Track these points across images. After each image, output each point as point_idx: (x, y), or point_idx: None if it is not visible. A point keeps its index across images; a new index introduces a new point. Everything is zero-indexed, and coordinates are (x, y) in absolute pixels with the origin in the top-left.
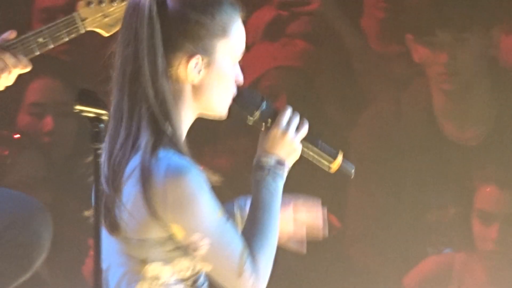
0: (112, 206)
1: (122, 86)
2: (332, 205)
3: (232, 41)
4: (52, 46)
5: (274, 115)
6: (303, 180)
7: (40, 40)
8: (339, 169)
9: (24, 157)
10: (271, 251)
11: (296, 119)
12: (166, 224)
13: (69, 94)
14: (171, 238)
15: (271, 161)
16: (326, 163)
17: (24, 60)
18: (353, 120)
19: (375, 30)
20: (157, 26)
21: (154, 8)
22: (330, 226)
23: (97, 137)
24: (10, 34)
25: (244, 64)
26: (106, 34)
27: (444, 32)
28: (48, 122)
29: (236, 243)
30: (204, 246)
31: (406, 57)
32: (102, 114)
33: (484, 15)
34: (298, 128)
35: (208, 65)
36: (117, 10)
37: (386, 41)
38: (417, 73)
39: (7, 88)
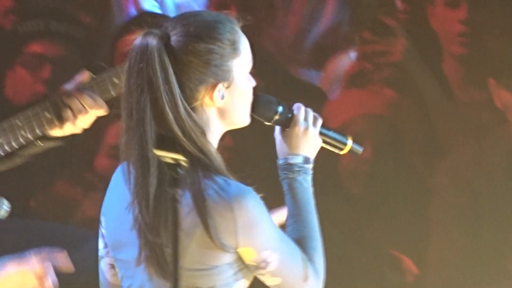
0: (161, 249)
1: (143, 133)
2: (411, 251)
3: (243, 56)
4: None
5: (291, 115)
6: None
7: (115, 81)
8: (350, 151)
9: (101, 198)
10: (321, 246)
11: (311, 114)
12: (234, 249)
13: None
14: (236, 261)
15: (299, 160)
16: (339, 148)
17: (100, 101)
18: (435, 167)
19: (457, 75)
20: (170, 70)
21: (164, 52)
22: (409, 272)
23: (176, 182)
24: (84, 75)
25: (330, 110)
26: None
27: None
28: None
29: (296, 250)
30: (273, 262)
31: (488, 103)
32: (181, 160)
33: None
34: (314, 122)
35: (229, 86)
36: None
37: (467, 88)
38: (499, 120)
39: (86, 130)
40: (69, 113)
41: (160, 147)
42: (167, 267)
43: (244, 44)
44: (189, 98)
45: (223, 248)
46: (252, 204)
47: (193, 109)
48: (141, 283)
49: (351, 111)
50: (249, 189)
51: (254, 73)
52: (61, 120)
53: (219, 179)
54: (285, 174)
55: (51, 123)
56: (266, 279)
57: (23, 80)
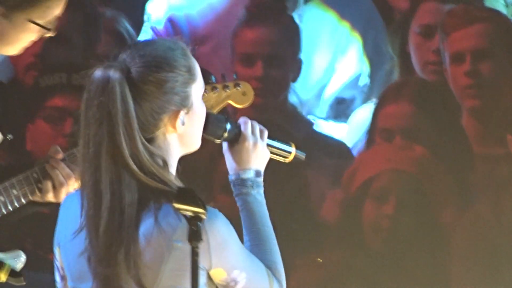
0: (114, 279)
1: (98, 166)
2: None
3: (198, 80)
4: None
5: (238, 130)
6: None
7: None
8: (294, 158)
9: None
10: (279, 256)
11: (257, 127)
12: (207, 271)
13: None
14: (208, 283)
15: (251, 175)
16: (284, 156)
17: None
18: (456, 222)
19: (475, 130)
20: (131, 103)
21: (125, 85)
22: None
23: (196, 236)
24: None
25: (360, 162)
26: None
27: None
28: None
29: (261, 267)
30: (242, 281)
31: (507, 158)
32: (200, 213)
33: None
34: (261, 135)
35: (188, 112)
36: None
37: (486, 143)
38: None
39: None
40: (49, 185)
41: (180, 200)
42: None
43: (197, 69)
44: (151, 127)
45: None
46: (222, 225)
47: (153, 138)
48: None
49: (380, 165)
50: (217, 210)
51: (279, 124)
52: (41, 190)
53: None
54: (238, 189)
55: (33, 192)
56: None
57: (44, 134)
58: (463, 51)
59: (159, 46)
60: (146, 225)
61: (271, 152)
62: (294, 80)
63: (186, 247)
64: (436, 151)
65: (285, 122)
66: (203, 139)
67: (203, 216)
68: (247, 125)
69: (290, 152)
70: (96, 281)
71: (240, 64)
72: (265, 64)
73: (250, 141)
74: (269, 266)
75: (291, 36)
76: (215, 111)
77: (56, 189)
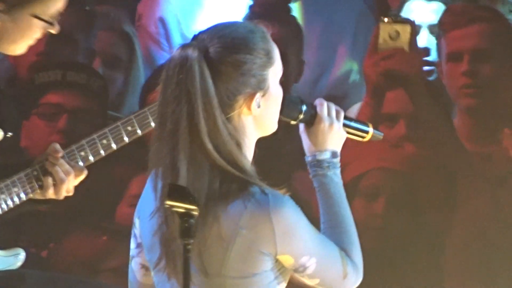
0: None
1: (175, 144)
2: None
3: (276, 64)
4: (127, 140)
5: (314, 111)
6: (397, 280)
7: (129, 128)
8: (372, 137)
9: (123, 248)
10: (357, 239)
11: (333, 108)
12: (273, 257)
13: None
14: (276, 266)
15: (327, 156)
16: (361, 136)
17: (79, 167)
18: (449, 220)
19: (469, 127)
20: (210, 81)
21: (204, 64)
22: None
23: (187, 233)
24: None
25: (349, 159)
26: None
27: None
28: None
29: (334, 250)
30: (311, 266)
31: (503, 154)
32: (192, 209)
33: None
34: (337, 116)
35: (265, 94)
36: None
37: (481, 139)
38: None
39: (110, 179)
40: (49, 182)
41: (173, 197)
42: (192, 275)
43: (276, 53)
44: (227, 108)
45: (262, 256)
46: (289, 212)
47: (229, 119)
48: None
49: (368, 164)
50: (286, 197)
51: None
52: (42, 187)
53: (255, 189)
54: (315, 170)
55: (34, 190)
56: (304, 280)
57: (38, 130)
58: (462, 51)
59: (239, 28)
60: (215, 210)
61: (348, 133)
62: (296, 80)
63: (251, 235)
64: (428, 149)
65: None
66: (279, 120)
67: (195, 213)
68: (323, 107)
69: (367, 132)
70: (166, 259)
71: None
72: None
73: (326, 122)
74: (344, 248)
75: (294, 37)
76: None
77: (56, 185)
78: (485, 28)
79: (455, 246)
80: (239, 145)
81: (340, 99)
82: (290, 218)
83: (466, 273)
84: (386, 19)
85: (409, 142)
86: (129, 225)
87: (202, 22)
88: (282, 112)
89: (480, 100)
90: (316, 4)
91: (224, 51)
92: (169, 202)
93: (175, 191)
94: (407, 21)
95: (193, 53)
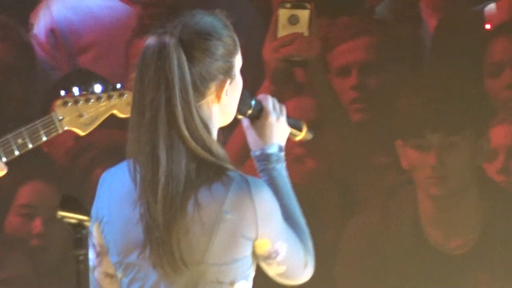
0: (169, 246)
1: (155, 131)
2: None
3: (239, 52)
4: (31, 146)
5: (260, 106)
6: None
7: (19, 141)
8: (303, 137)
9: (12, 258)
10: (306, 228)
11: (277, 103)
12: (253, 241)
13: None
14: (252, 254)
15: (275, 150)
16: (295, 134)
17: (1, 164)
18: (341, 229)
19: (364, 139)
20: (186, 68)
21: (181, 50)
22: None
23: (80, 244)
24: None
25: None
26: (82, 133)
27: (434, 134)
28: (37, 224)
29: (295, 238)
30: (282, 252)
31: (395, 165)
32: (84, 220)
33: (476, 121)
34: (281, 110)
35: (231, 82)
36: (93, 109)
37: (375, 150)
38: (405, 181)
39: None
40: None
41: (64, 207)
42: (176, 263)
43: (238, 40)
44: (199, 96)
45: (245, 241)
46: (268, 196)
47: (200, 106)
48: (155, 281)
49: None
50: (261, 181)
51: None
52: None
53: (233, 174)
54: (264, 164)
55: None
56: (270, 269)
57: None
58: (350, 65)
59: (205, 17)
60: (195, 196)
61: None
62: None
63: (234, 218)
64: (326, 163)
65: None
66: None
67: (87, 224)
68: (269, 101)
69: (301, 129)
70: (151, 246)
71: None
72: None
73: (273, 116)
74: (300, 239)
75: None
76: (99, 121)
77: None
78: (372, 40)
79: (347, 254)
80: (209, 132)
81: None
82: (269, 201)
83: (358, 283)
84: (285, 4)
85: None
86: (19, 236)
87: (93, 32)
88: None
89: (369, 115)
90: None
91: (197, 38)
92: (61, 213)
93: (67, 202)
94: (305, 6)
95: (170, 39)
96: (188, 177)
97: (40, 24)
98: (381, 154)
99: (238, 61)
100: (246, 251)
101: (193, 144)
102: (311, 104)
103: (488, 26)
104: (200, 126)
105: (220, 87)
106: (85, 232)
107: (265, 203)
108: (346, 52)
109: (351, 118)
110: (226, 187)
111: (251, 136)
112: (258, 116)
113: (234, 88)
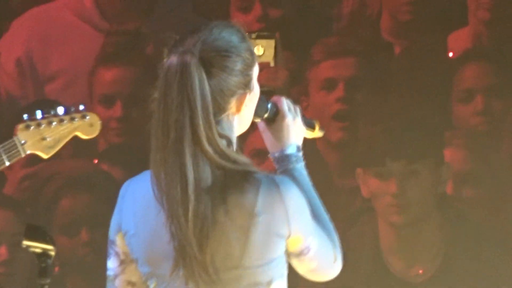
0: (203, 264)
1: (181, 150)
2: None
3: (256, 62)
4: None
5: (276, 108)
6: None
7: None
8: (317, 134)
9: None
10: (332, 226)
11: (291, 104)
12: (286, 239)
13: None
14: (285, 252)
15: (293, 150)
16: (310, 133)
17: None
18: None
19: (335, 162)
20: (207, 87)
21: (202, 69)
22: None
23: (45, 273)
24: None
25: None
26: (45, 156)
27: (394, 162)
28: (2, 252)
29: (323, 234)
30: (314, 247)
31: (356, 193)
32: (49, 250)
33: (437, 149)
34: (296, 111)
35: (250, 94)
36: (56, 131)
37: (339, 175)
38: (366, 209)
39: None
40: None
41: (29, 237)
42: (211, 277)
43: (254, 50)
44: (220, 111)
45: (279, 239)
46: (297, 192)
47: (219, 120)
48: None
49: None
50: (288, 178)
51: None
52: None
53: (260, 176)
54: (284, 165)
55: None
56: (301, 265)
57: None
58: (336, 79)
59: (223, 31)
60: (225, 204)
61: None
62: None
63: (267, 218)
64: None
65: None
66: None
67: (52, 253)
68: (283, 102)
69: (314, 128)
70: (183, 264)
71: (99, 104)
72: (124, 104)
73: (289, 117)
74: (327, 234)
75: (150, 75)
76: (62, 143)
77: None
78: (356, 60)
79: (307, 284)
80: (230, 142)
81: None
82: (298, 197)
83: None
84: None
85: None
86: None
87: (60, 61)
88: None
89: (345, 133)
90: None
91: (216, 56)
92: (25, 243)
93: (32, 231)
94: (271, 36)
95: (191, 59)
96: (216, 189)
97: (7, 53)
98: (344, 179)
99: (255, 71)
100: (281, 250)
101: (217, 159)
102: None
103: (451, 54)
104: (219, 140)
105: (240, 101)
106: (50, 262)
107: (295, 200)
108: (332, 67)
109: (316, 142)
110: (255, 188)
111: (268, 139)
112: (274, 119)
113: (253, 99)
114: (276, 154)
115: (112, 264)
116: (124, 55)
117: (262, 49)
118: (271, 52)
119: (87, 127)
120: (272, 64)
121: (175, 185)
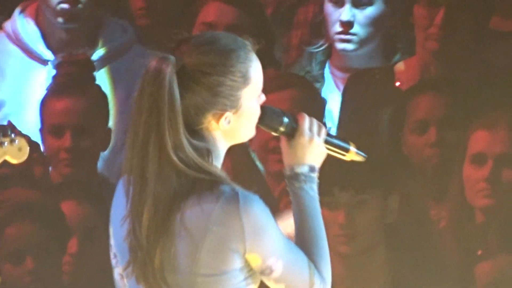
0: (151, 266)
1: (145, 153)
2: None
3: (253, 83)
4: None
5: (296, 125)
6: None
7: None
8: (354, 157)
9: None
10: (328, 255)
11: (315, 123)
12: (242, 255)
13: None
14: (246, 266)
15: (304, 170)
16: (342, 154)
17: None
18: None
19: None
20: (177, 98)
21: (174, 79)
22: None
23: None
24: None
25: None
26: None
27: (342, 192)
28: None
29: (301, 257)
30: (278, 269)
31: None
32: None
33: (385, 180)
34: (318, 131)
35: (236, 112)
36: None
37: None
38: None
39: None
40: None
41: None
42: (158, 282)
43: (255, 71)
44: (195, 122)
45: (233, 253)
46: (258, 211)
47: (197, 131)
48: None
49: None
50: (256, 196)
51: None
52: None
53: (225, 188)
54: (291, 183)
55: None
56: (270, 284)
57: None
58: None
59: (221, 45)
60: (183, 210)
61: (328, 149)
62: (104, 149)
63: (221, 231)
64: None
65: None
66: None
67: None
68: (304, 121)
69: (348, 150)
70: (133, 265)
71: (49, 135)
72: (73, 134)
73: (306, 137)
74: (314, 260)
75: (99, 106)
76: None
77: None
78: (295, 93)
79: None
80: (207, 154)
81: None
82: (259, 216)
83: None
84: None
85: None
86: None
87: (5, 92)
88: (262, 122)
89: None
90: (120, 71)
91: (198, 71)
92: None
93: None
94: None
95: (167, 67)
96: (177, 196)
97: None
98: None
99: (248, 92)
100: (235, 264)
101: (183, 168)
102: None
103: (398, 84)
104: (188, 149)
105: (218, 117)
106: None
107: (254, 218)
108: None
109: (267, 169)
110: (215, 199)
111: (284, 154)
112: (293, 135)
113: (242, 116)
114: (287, 172)
115: (111, 255)
116: (73, 86)
117: None
118: None
119: (16, 152)
120: None
121: (136, 185)
